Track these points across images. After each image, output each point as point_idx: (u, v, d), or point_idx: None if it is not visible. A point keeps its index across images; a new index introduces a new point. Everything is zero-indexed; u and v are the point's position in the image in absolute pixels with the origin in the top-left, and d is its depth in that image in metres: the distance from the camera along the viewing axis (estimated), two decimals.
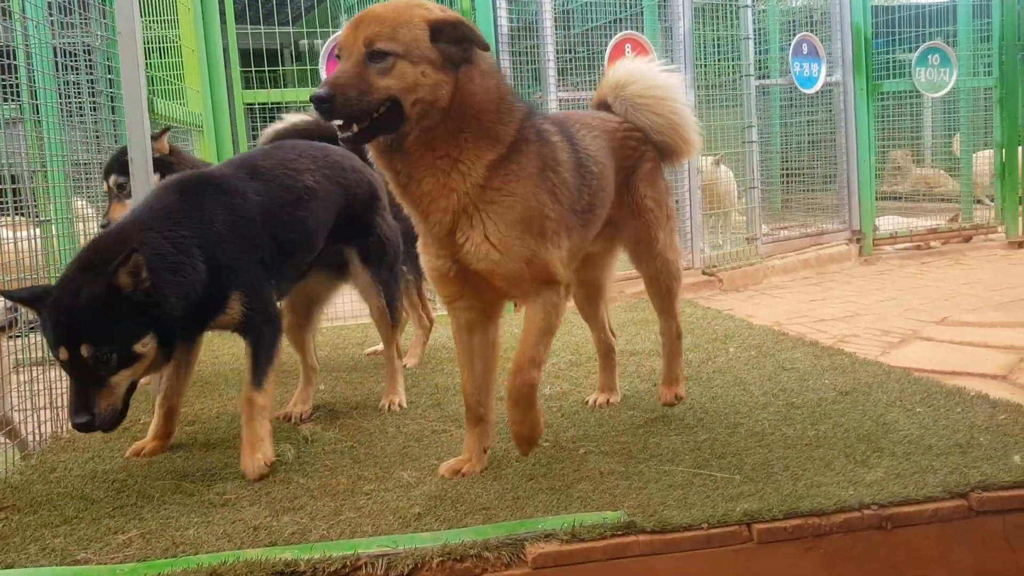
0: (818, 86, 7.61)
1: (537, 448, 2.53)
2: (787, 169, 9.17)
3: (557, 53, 7.06)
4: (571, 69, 7.54)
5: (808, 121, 8.73)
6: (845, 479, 2.24)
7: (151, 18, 5.36)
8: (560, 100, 6.72)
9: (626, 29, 6.99)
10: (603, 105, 2.95)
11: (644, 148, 2.87)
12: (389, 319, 3.23)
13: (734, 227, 8.04)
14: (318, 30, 6.22)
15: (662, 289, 2.94)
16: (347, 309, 6.06)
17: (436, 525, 2.13)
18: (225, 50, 5.95)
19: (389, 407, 3.16)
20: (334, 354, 4.13)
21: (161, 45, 5.50)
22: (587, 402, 3.11)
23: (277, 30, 6.60)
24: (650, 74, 2.89)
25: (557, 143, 2.47)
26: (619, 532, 2.04)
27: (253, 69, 6.25)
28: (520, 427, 2.44)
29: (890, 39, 9.13)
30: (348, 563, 1.94)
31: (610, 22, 7.76)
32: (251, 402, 2.63)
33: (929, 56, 7.93)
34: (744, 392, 3.11)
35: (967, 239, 8.22)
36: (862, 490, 2.16)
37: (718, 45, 7.82)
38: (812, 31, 7.85)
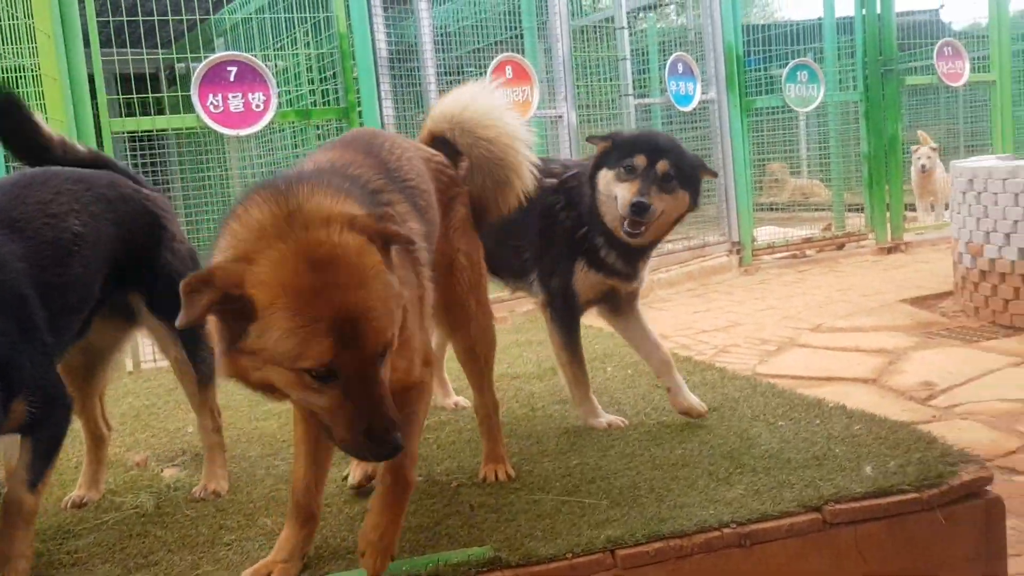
0: (694, 104, 7.84)
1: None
2: None
3: (439, 75, 7.05)
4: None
5: (687, 137, 8.99)
6: (707, 498, 2.28)
7: (5, 47, 5.11)
8: None
9: (507, 51, 7.05)
10: (438, 141, 2.64)
11: (457, 189, 2.57)
12: (193, 374, 2.67)
13: None
14: (189, 55, 6.06)
15: (479, 360, 2.64)
16: None
17: None
18: (91, 77, 5.72)
19: (202, 493, 2.63)
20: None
21: (17, 75, 5.25)
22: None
23: (146, 55, 6.38)
24: (491, 102, 2.62)
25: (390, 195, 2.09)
26: (483, 568, 2.02)
27: (120, 96, 6.03)
28: (383, 536, 2.00)
29: (765, 57, 9.50)
30: None
31: (491, 44, 7.82)
32: (18, 505, 2.12)
33: (798, 72, 8.27)
34: (618, 412, 3.14)
35: (840, 246, 8.60)
36: (722, 508, 2.20)
37: (598, 66, 7.97)
38: (688, 51, 8.10)
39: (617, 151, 2.99)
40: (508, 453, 2.72)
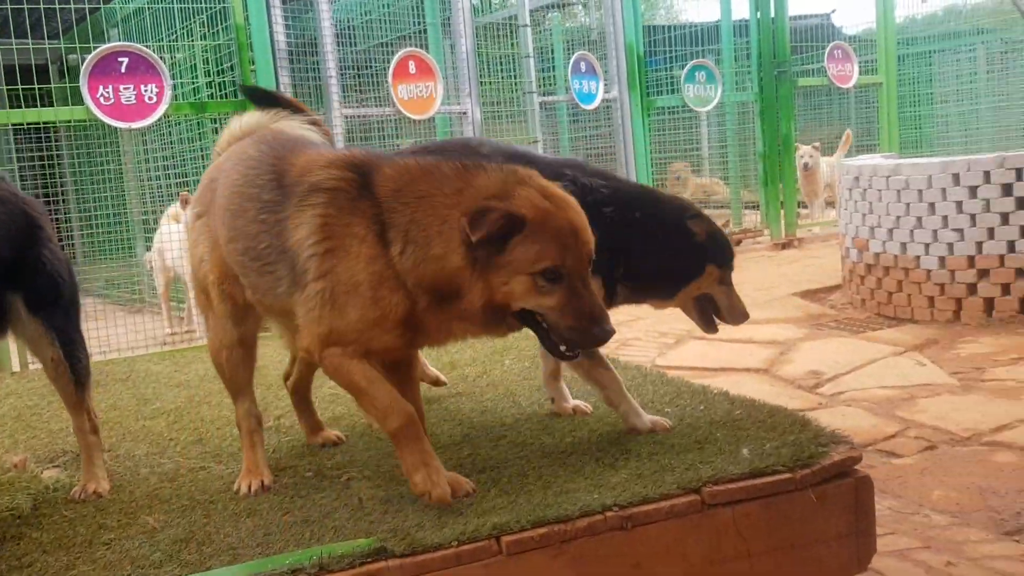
0: (597, 102, 7.96)
1: None
2: None
3: (342, 70, 6.96)
4: (356, 86, 7.49)
5: (591, 135, 9.12)
6: (592, 483, 2.32)
7: None
8: (346, 117, 6.64)
9: (411, 46, 7.02)
10: None
11: None
12: (70, 375, 2.62)
13: None
14: (78, 45, 5.84)
15: None
16: (120, 341, 5.70)
17: (177, 571, 2.03)
18: None
19: (82, 495, 2.57)
20: (94, 392, 3.87)
21: None
22: None
23: (33, 46, 6.12)
24: None
25: None
26: (369, 559, 2.02)
27: (6, 87, 5.79)
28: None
29: (668, 57, 9.70)
30: None
31: (395, 39, 7.78)
32: None
33: (696, 73, 8.49)
34: (513, 404, 3.17)
35: (737, 243, 8.85)
36: (606, 493, 2.24)
37: (502, 63, 8.02)
38: (591, 50, 8.22)
39: (719, 250, 2.86)
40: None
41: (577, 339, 2.16)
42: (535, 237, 2.07)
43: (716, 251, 2.83)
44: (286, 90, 6.28)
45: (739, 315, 2.94)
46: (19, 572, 2.09)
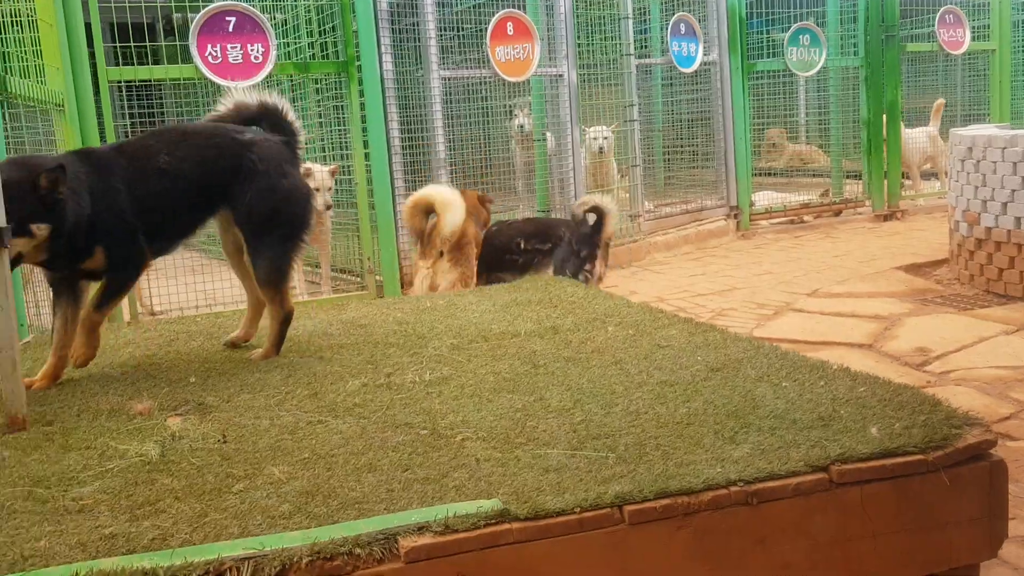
0: (696, 65, 7.78)
1: None
2: (669, 147, 9.36)
3: (440, 31, 6.96)
4: (454, 47, 7.47)
5: (688, 99, 8.93)
6: (713, 456, 2.29)
7: None
8: (443, 79, 6.63)
9: (508, 8, 6.95)
10: None
11: None
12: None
13: (619, 204, 8.17)
14: (188, 4, 5.94)
15: None
16: (226, 295, 5.87)
17: (306, 523, 2.07)
18: (88, 24, 5.62)
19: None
20: (208, 344, 3.98)
21: (14, 19, 5.15)
22: None
23: (144, 4, 6.25)
24: None
25: None
26: (493, 521, 2.02)
27: (118, 44, 5.93)
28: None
29: (767, 19, 9.39)
30: (211, 568, 1.86)
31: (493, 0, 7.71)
32: (87, 318, 3.34)
33: (800, 36, 8.20)
34: (621, 371, 3.14)
35: (837, 213, 8.60)
36: (729, 467, 2.21)
37: (599, 24, 7.88)
38: (690, 11, 8.01)
39: None
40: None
41: None
42: None
43: None
44: (386, 51, 6.30)
45: None
46: (153, 517, 2.16)
